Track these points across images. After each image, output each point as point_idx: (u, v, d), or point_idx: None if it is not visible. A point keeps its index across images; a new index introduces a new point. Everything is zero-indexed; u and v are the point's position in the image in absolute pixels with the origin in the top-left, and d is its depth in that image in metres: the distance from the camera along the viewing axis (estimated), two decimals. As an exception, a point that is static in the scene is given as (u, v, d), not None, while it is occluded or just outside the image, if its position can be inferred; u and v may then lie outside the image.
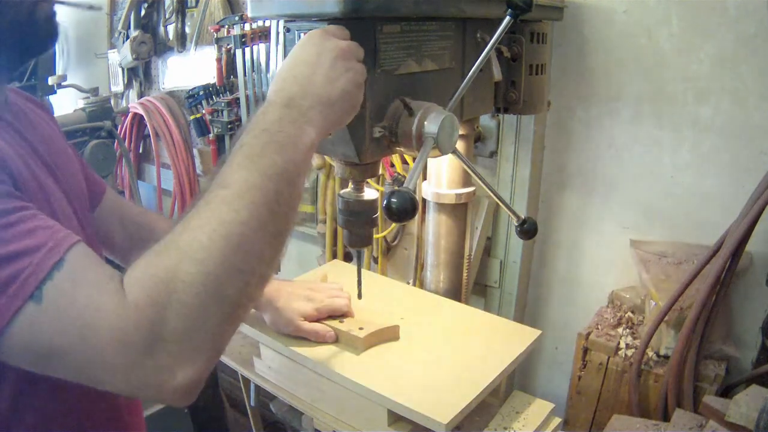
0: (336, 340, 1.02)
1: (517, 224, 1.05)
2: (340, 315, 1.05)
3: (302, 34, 0.76)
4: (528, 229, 1.04)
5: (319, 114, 0.65)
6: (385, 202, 0.70)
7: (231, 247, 0.56)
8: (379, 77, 0.80)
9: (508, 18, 0.83)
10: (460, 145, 1.19)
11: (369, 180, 0.91)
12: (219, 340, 0.58)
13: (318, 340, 1.00)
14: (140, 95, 2.44)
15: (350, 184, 0.88)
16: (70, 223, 0.73)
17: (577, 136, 1.41)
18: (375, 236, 1.61)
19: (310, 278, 1.26)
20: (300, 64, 0.67)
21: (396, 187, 0.71)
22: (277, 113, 0.64)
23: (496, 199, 1.03)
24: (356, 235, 0.90)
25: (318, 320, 1.02)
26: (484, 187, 1.01)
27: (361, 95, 0.71)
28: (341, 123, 0.71)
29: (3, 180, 0.59)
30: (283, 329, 1.01)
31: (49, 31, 0.71)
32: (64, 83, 2.32)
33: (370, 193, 0.88)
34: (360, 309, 1.07)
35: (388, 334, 1.04)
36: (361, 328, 1.01)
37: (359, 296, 1.00)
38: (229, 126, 1.91)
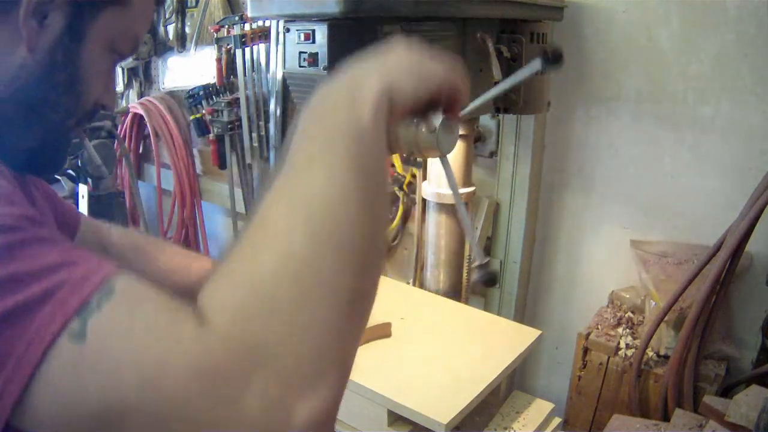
0: None
1: (477, 265, 0.95)
2: None
3: (302, 35, 0.76)
4: (488, 277, 0.94)
5: (401, 80, 0.50)
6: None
7: (319, 219, 0.43)
8: (379, 77, 0.80)
9: (538, 64, 0.75)
10: (460, 145, 1.20)
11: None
12: (343, 350, 0.43)
13: None
14: (140, 95, 2.44)
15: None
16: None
17: (577, 136, 1.41)
18: (375, 236, 1.60)
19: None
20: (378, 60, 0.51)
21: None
22: (344, 94, 0.48)
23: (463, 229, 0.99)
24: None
25: None
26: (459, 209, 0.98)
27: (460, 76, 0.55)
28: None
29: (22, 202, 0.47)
30: None
31: (61, 161, 0.65)
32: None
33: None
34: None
35: (379, 332, 1.04)
36: None
37: (359, 296, 1.00)
38: (229, 126, 1.91)
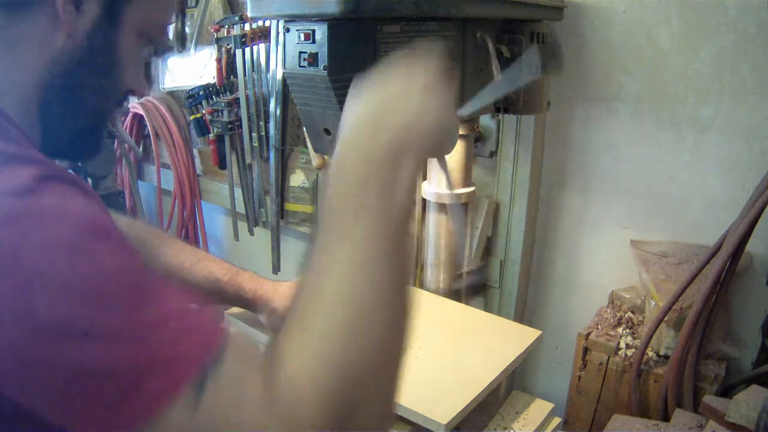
0: None
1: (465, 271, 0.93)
2: None
3: (302, 35, 0.76)
4: (475, 286, 0.97)
5: (411, 149, 0.52)
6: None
7: (374, 300, 0.47)
8: (379, 77, 0.80)
9: (537, 68, 0.73)
10: (460, 145, 1.20)
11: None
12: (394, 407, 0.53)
13: None
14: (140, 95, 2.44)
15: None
16: None
17: (577, 136, 1.41)
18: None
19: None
20: (385, 96, 0.53)
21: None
22: (364, 151, 0.51)
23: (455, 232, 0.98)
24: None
25: None
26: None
27: (456, 129, 0.59)
28: (436, 155, 0.60)
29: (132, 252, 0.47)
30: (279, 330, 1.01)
31: (97, 146, 0.66)
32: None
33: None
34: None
35: None
36: None
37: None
38: (229, 126, 1.91)
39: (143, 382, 0.40)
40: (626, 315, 1.34)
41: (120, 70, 0.61)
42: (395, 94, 0.53)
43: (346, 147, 0.51)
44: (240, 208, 2.06)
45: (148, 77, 2.40)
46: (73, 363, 0.40)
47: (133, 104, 2.35)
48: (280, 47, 1.65)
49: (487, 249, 1.55)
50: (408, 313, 0.51)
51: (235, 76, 1.86)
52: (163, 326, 0.43)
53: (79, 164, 1.89)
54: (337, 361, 0.45)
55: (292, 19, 0.79)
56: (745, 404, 0.96)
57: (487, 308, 1.57)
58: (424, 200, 1.23)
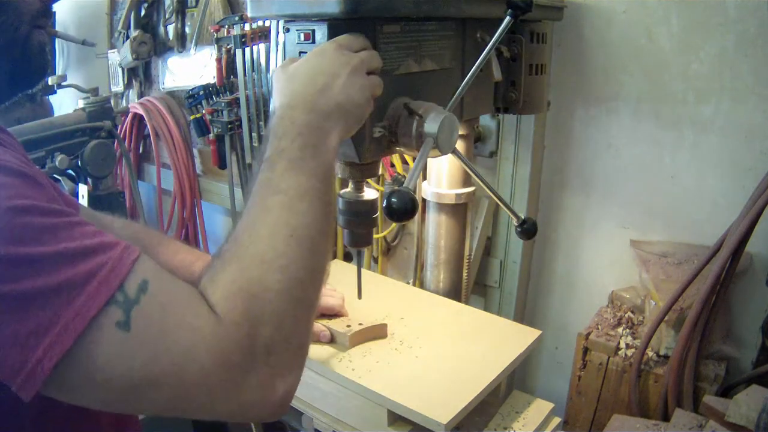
0: (330, 340, 1.02)
1: (516, 224, 1.05)
2: (333, 314, 1.06)
3: (302, 35, 0.76)
4: (528, 229, 1.04)
5: (338, 121, 0.68)
6: (385, 202, 0.70)
7: (306, 250, 0.58)
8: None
9: (508, 18, 0.83)
10: (460, 145, 1.19)
11: (369, 180, 0.91)
12: (307, 343, 0.59)
13: (312, 339, 1.00)
14: (140, 95, 2.44)
15: (350, 184, 0.88)
16: None
17: (577, 136, 1.41)
18: (375, 236, 1.60)
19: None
20: (319, 74, 0.68)
21: (396, 187, 0.71)
22: (305, 118, 0.65)
23: (497, 200, 1.03)
24: (356, 235, 0.90)
25: None
26: (484, 187, 1.01)
27: (370, 108, 0.73)
28: (350, 133, 0.73)
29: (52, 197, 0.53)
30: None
31: (41, 65, 0.69)
32: (64, 83, 2.31)
33: (370, 193, 0.88)
34: (359, 308, 1.07)
35: (376, 332, 1.04)
36: (348, 326, 1.02)
37: (359, 296, 1.00)
38: (229, 126, 1.91)
39: (68, 294, 0.47)
40: (626, 315, 1.34)
41: None
42: (325, 76, 0.67)
43: (286, 119, 0.65)
44: (240, 208, 2.06)
45: (148, 77, 2.40)
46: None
47: (133, 104, 2.35)
48: (280, 47, 1.65)
49: (487, 249, 1.55)
50: (324, 257, 0.62)
51: (235, 76, 1.86)
52: (84, 248, 0.49)
53: (79, 165, 1.88)
54: (258, 290, 0.54)
55: (292, 19, 0.79)
56: (745, 404, 0.96)
57: (487, 308, 1.57)
58: (424, 200, 1.23)
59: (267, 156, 0.64)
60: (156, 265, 0.55)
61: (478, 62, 0.86)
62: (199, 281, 0.56)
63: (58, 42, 2.77)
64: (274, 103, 0.68)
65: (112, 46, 2.49)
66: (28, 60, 0.66)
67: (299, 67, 0.69)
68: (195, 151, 2.25)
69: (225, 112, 1.91)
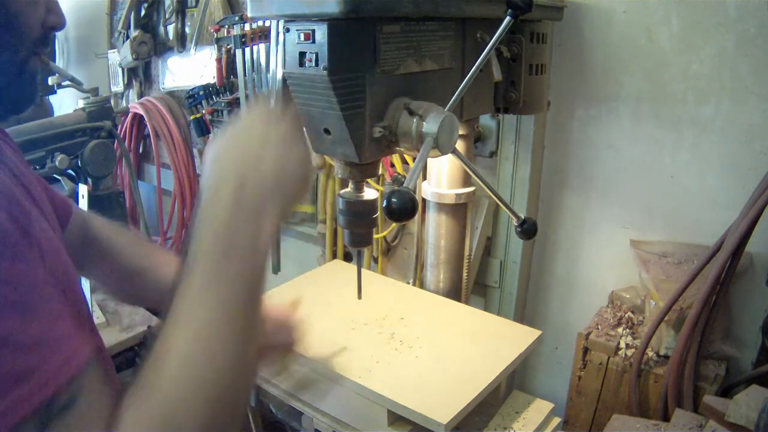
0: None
1: (516, 224, 1.05)
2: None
3: (302, 35, 0.76)
4: (528, 230, 1.04)
5: (276, 198, 0.59)
6: (385, 202, 0.70)
7: (220, 388, 0.52)
8: (379, 77, 0.80)
9: (508, 18, 0.83)
10: (460, 145, 1.19)
11: (369, 180, 0.91)
12: None
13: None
14: (140, 95, 2.44)
15: (350, 184, 0.88)
16: (52, 243, 0.58)
17: (577, 136, 1.41)
18: (375, 236, 1.60)
19: (308, 279, 1.26)
20: (248, 146, 0.60)
21: (396, 187, 0.71)
22: (233, 197, 0.56)
23: (496, 199, 1.03)
24: (356, 234, 0.90)
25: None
26: (484, 187, 1.01)
27: (312, 176, 0.67)
28: (295, 204, 0.66)
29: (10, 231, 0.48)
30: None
31: (31, 93, 0.67)
32: (64, 83, 2.31)
33: (370, 193, 0.88)
34: (359, 308, 1.07)
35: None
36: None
37: (359, 296, 1.01)
38: (229, 126, 1.91)
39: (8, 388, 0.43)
40: (626, 315, 1.34)
41: (21, 17, 0.60)
42: (256, 148, 0.59)
43: (213, 202, 0.57)
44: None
45: (148, 77, 2.40)
46: None
47: (133, 104, 2.35)
48: (280, 47, 1.65)
49: (487, 249, 1.55)
50: (248, 380, 0.57)
51: (235, 76, 1.86)
52: (31, 343, 0.45)
53: (79, 165, 1.88)
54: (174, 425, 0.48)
55: (292, 19, 0.79)
56: (745, 404, 0.96)
57: (487, 308, 1.57)
58: (424, 200, 1.23)
59: (189, 254, 0.55)
60: (95, 384, 0.50)
61: (478, 62, 0.86)
62: (123, 400, 0.51)
63: (58, 42, 2.77)
64: (201, 186, 0.60)
65: (112, 46, 2.49)
66: (19, 85, 0.65)
67: (228, 139, 0.61)
68: (195, 151, 2.25)
69: (225, 112, 1.91)
